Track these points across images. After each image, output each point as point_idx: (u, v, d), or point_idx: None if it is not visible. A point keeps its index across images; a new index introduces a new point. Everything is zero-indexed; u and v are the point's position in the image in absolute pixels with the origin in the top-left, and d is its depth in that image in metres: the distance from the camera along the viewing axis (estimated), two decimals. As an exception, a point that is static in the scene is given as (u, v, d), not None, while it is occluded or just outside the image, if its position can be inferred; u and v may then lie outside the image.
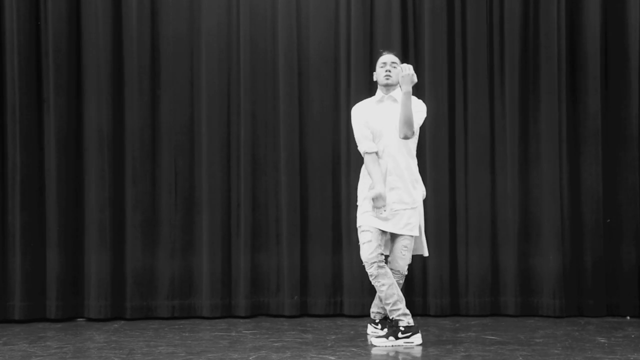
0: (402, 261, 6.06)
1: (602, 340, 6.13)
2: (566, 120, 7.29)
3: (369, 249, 5.93)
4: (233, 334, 6.50)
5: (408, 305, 7.24)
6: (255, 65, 7.30)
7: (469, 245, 7.29)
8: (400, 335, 5.94)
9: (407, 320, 5.98)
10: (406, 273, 6.13)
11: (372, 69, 7.29)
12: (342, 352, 5.74)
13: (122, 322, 7.06)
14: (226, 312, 7.20)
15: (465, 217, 7.30)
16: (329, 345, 6.01)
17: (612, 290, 7.24)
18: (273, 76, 7.31)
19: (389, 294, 5.94)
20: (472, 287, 7.26)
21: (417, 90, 7.33)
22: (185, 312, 7.24)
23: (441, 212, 7.26)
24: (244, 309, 7.17)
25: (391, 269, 6.05)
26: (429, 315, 7.20)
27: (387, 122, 6.01)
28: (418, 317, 7.16)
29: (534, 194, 7.30)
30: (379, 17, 7.32)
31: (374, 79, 6.22)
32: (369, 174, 6.00)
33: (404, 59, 7.27)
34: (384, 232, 6.03)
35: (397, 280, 6.06)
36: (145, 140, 7.25)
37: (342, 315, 7.24)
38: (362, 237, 5.99)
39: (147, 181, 7.25)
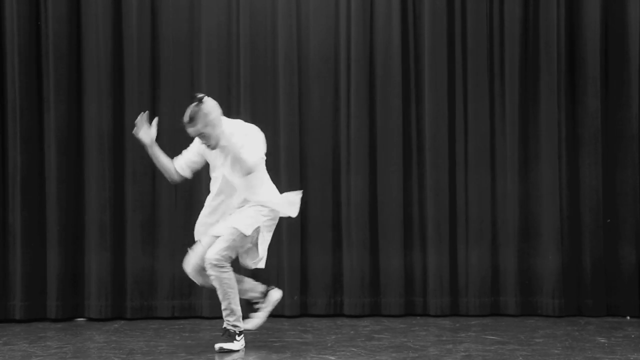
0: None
1: (602, 340, 6.13)
2: (566, 120, 7.29)
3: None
4: (233, 334, 6.49)
5: (409, 306, 7.31)
6: (255, 65, 7.30)
7: (469, 245, 7.28)
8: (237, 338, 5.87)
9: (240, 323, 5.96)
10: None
11: (372, 69, 7.33)
12: (342, 352, 5.74)
13: (122, 322, 7.06)
14: (226, 312, 7.19)
15: (465, 217, 7.30)
16: (329, 345, 6.01)
17: (612, 290, 7.24)
18: (273, 76, 7.30)
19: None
20: (472, 287, 7.25)
21: (417, 91, 7.36)
22: (185, 312, 7.23)
23: (441, 212, 7.25)
24: (244, 309, 7.15)
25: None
26: (429, 315, 7.20)
27: (221, 162, 5.97)
28: (418, 317, 7.18)
29: (534, 194, 7.29)
30: (379, 17, 7.32)
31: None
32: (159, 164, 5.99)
33: (404, 59, 7.27)
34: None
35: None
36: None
37: (342, 315, 7.23)
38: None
39: (147, 181, 7.25)
